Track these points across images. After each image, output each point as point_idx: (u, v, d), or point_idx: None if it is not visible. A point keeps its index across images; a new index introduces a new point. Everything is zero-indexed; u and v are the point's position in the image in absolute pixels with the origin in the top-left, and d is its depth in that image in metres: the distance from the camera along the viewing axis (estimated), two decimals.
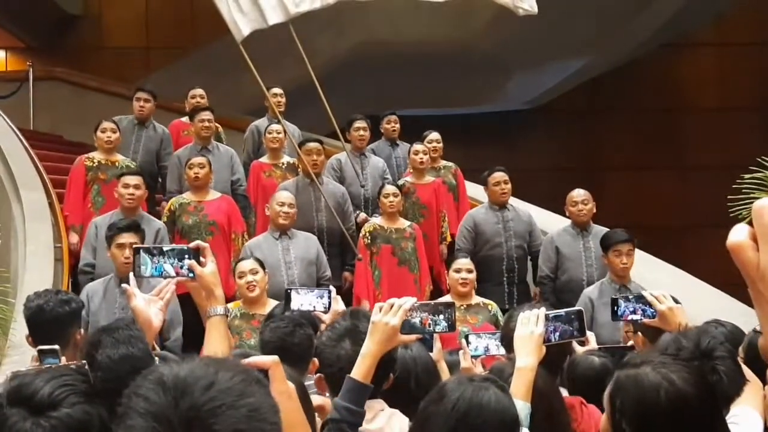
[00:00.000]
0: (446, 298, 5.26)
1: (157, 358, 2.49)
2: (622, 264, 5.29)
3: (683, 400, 1.63)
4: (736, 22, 14.21)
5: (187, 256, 2.45)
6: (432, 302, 2.64)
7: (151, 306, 2.54)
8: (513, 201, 6.61)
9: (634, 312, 3.14)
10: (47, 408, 1.68)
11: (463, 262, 5.35)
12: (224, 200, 6.28)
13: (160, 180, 7.44)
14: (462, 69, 12.56)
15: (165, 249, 2.52)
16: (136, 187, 5.69)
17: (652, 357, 1.83)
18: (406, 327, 2.33)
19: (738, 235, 0.62)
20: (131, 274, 2.60)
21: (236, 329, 4.65)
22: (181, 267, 2.46)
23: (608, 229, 5.75)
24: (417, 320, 2.42)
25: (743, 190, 4.65)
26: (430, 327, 2.45)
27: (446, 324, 2.50)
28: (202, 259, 2.43)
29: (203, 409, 0.95)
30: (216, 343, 2.38)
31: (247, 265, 4.97)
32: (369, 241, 6.17)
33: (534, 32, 10.48)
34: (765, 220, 0.59)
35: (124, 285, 4.21)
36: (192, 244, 2.48)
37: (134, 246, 2.67)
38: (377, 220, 6.29)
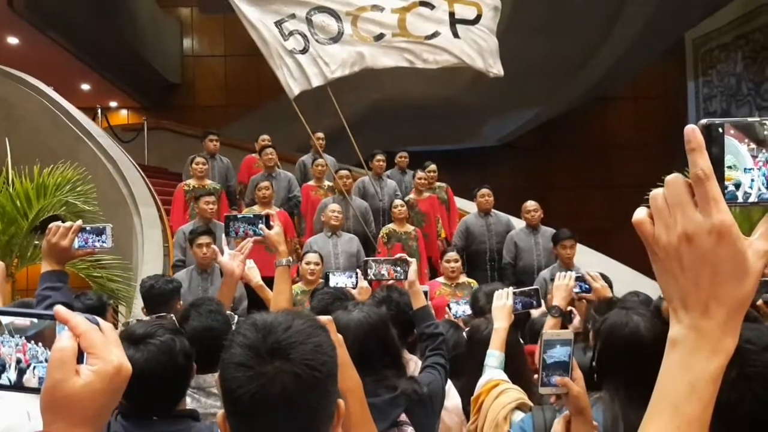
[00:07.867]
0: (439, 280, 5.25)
1: (235, 316, 2.50)
2: (566, 254, 5.26)
3: (638, 337, 1.63)
4: (646, 82, 14.21)
5: (260, 221, 2.48)
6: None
7: (234, 259, 2.54)
8: (494, 211, 6.56)
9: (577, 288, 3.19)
10: (144, 338, 1.71)
11: (451, 255, 5.32)
12: (281, 214, 6.25)
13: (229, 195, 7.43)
14: (449, 116, 12.58)
15: (238, 216, 2.56)
16: (213, 203, 5.74)
17: (634, 306, 1.84)
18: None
19: (639, 213, 0.65)
20: (223, 235, 2.64)
21: (298, 302, 4.65)
22: (250, 230, 2.49)
23: (553, 230, 5.69)
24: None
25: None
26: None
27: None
28: (271, 223, 2.46)
29: (283, 344, 0.97)
30: (281, 286, 2.36)
31: (313, 257, 4.98)
32: (386, 240, 6.19)
33: (501, 89, 10.49)
34: (658, 203, 0.62)
35: (213, 246, 4.23)
36: (263, 212, 2.51)
37: (225, 215, 2.67)
38: (392, 225, 6.30)
